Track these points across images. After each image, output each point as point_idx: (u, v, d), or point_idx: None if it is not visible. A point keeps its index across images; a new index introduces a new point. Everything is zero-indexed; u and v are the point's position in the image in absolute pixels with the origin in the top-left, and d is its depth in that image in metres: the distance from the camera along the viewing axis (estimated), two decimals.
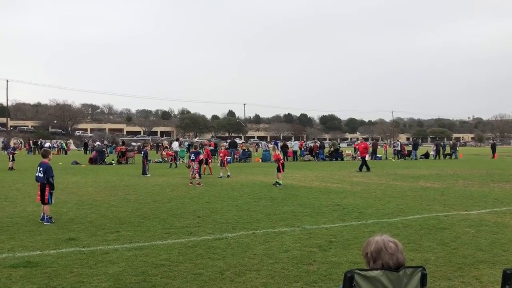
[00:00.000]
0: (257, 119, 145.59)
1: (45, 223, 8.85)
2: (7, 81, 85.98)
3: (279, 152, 17.41)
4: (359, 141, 37.27)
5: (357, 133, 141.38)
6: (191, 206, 11.33)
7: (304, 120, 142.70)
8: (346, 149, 48.66)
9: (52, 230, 8.26)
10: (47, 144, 55.58)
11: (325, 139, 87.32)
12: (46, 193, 9.07)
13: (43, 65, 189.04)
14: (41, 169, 9.26)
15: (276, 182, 15.90)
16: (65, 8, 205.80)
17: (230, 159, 33.08)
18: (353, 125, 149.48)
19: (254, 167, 27.50)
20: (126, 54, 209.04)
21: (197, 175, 16.52)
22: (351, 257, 6.46)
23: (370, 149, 34.30)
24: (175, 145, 32.75)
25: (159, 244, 7.25)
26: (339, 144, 46.46)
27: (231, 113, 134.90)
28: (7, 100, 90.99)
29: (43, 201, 9.09)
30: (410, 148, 41.98)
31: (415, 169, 25.02)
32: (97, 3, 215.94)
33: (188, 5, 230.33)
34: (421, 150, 43.18)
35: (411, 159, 37.92)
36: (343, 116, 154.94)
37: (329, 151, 37.64)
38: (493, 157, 39.15)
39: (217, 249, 6.89)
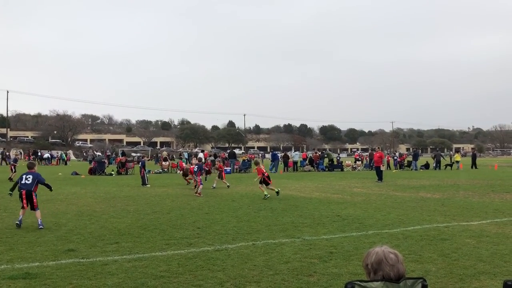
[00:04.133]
0: (257, 130, 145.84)
1: (40, 227, 9.27)
2: (7, 91, 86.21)
3: (262, 167, 16.44)
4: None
5: (357, 143, 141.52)
6: (191, 217, 11.30)
7: (304, 130, 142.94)
8: (346, 160, 48.63)
9: (51, 241, 8.23)
10: (47, 155, 55.60)
11: (325, 149, 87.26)
12: (34, 199, 9.54)
13: (44, 75, 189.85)
14: (28, 177, 9.68)
15: (265, 195, 15.30)
16: (66, 20, 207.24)
17: (230, 169, 33.12)
18: (353, 135, 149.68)
19: (254, 178, 27.47)
20: (126, 65, 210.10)
21: (200, 186, 16.58)
22: (351, 268, 6.42)
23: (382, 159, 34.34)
24: (201, 156, 33.15)
25: (159, 255, 7.21)
26: (338, 154, 46.45)
27: (231, 124, 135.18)
28: (7, 111, 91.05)
29: (32, 207, 9.51)
30: (410, 158, 41.95)
31: (415, 180, 24.98)
32: (95, 16, 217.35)
33: (187, 18, 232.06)
34: (421, 160, 43.17)
35: (411, 169, 37.88)
36: (343, 126, 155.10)
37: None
38: (473, 167, 38.82)
39: (217, 260, 6.86)
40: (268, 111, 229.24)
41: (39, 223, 9.46)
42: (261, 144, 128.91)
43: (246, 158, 38.23)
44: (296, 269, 6.36)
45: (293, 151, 49.77)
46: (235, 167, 34.42)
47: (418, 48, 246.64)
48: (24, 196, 9.57)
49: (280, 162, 36.57)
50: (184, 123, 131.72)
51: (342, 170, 36.79)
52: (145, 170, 21.45)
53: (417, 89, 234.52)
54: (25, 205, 9.59)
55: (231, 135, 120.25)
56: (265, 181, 15.64)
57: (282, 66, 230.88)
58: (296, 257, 7.02)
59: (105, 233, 9.05)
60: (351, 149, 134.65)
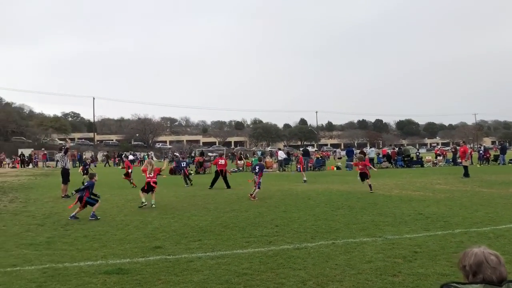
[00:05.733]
0: (329, 127, 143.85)
1: (90, 218, 10.93)
2: (94, 98, 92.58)
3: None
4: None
5: (437, 137, 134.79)
6: (268, 215, 11.41)
7: (379, 125, 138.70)
8: (426, 155, 46.51)
9: (139, 238, 8.70)
10: (131, 157, 58.85)
11: (402, 145, 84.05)
12: (84, 199, 11.40)
13: (125, 81, 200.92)
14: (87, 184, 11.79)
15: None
16: (144, 26, 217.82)
17: (304, 167, 33.00)
18: (432, 129, 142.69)
19: (329, 176, 27.16)
20: (201, 68, 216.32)
21: (256, 189, 15.08)
22: (438, 268, 6.15)
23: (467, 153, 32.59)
24: (281, 153, 33.93)
25: (240, 252, 7.37)
26: (418, 150, 44.51)
27: (303, 121, 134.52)
28: (93, 116, 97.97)
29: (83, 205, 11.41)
30: (497, 152, 39.24)
31: (504, 175, 23.33)
32: (169, 21, 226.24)
33: (257, 19, 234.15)
34: (510, 154, 40.20)
35: (498, 164, 35.44)
36: (421, 120, 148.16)
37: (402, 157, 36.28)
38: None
39: (297, 259, 6.87)
40: (341, 107, 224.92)
41: (92, 214, 11.17)
42: (334, 141, 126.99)
43: (320, 156, 37.87)
44: (380, 268, 6.21)
45: (368, 147, 48.41)
46: (309, 165, 34.21)
47: (501, 37, 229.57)
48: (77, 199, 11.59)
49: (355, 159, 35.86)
50: (256, 123, 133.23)
51: (422, 166, 35.25)
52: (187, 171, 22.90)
53: (502, 79, 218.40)
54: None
55: (303, 132, 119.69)
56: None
57: (355, 61, 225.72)
58: (378, 257, 6.84)
59: (188, 230, 9.41)
60: (430, 143, 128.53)
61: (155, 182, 13.88)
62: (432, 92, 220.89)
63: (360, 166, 17.14)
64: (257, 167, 15.68)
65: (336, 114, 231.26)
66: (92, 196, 11.62)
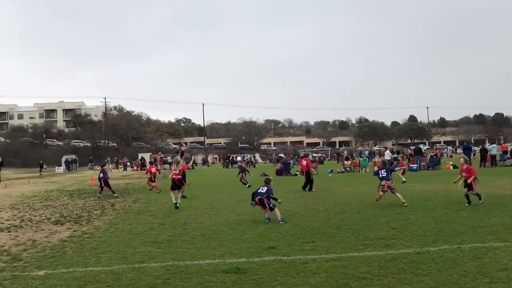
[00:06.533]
0: (442, 123, 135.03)
1: (280, 223, 10.33)
2: (203, 104, 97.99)
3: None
4: None
5: None
6: (382, 216, 10.92)
7: (499, 120, 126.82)
8: None
9: (253, 238, 8.82)
10: (239, 158, 60.86)
11: None
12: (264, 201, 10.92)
13: (231, 86, 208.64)
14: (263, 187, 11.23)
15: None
16: (246, 31, 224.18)
17: (416, 166, 31.28)
18: None
19: (445, 175, 25.36)
20: (303, 69, 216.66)
21: (398, 193, 13.18)
22: None
23: None
24: (388, 153, 32.82)
25: (356, 255, 7.10)
26: None
27: (412, 118, 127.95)
28: (203, 121, 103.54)
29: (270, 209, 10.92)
30: None
31: None
32: (271, 24, 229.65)
33: (359, 18, 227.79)
34: None
35: None
36: None
37: None
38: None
39: (420, 264, 6.42)
40: (454, 102, 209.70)
41: (279, 219, 10.52)
42: (448, 138, 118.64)
43: (433, 154, 35.62)
44: None
45: (487, 144, 44.46)
46: (422, 164, 32.32)
47: None
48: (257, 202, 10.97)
49: (473, 157, 33.27)
50: (362, 121, 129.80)
51: None
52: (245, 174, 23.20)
53: None
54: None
55: (413, 130, 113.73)
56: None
57: (470, 53, 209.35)
58: None
59: (300, 231, 9.33)
60: None
61: (179, 180, 14.26)
62: None
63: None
64: (383, 171, 13.34)
65: (449, 109, 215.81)
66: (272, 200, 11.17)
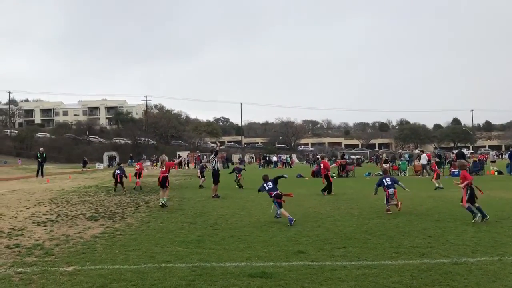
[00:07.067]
0: (487, 126, 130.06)
1: (290, 224, 10.36)
2: (241, 104, 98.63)
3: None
4: None
5: None
6: (419, 223, 10.49)
7: None
8: None
9: (283, 241, 8.64)
10: (274, 158, 60.67)
11: None
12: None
13: (269, 86, 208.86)
14: (269, 183, 11.48)
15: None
16: (284, 32, 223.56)
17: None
18: None
19: (488, 181, 24.29)
20: (341, 70, 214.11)
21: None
22: None
23: None
24: (424, 157, 31.95)
25: (389, 264, 6.79)
26: None
27: (455, 121, 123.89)
28: (241, 121, 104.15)
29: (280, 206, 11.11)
30: None
31: None
32: (309, 25, 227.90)
33: (403, 18, 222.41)
34: None
35: None
36: None
37: None
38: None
39: (456, 276, 6.06)
40: (500, 105, 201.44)
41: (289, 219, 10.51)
42: (494, 143, 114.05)
43: (477, 159, 34.25)
44: None
45: None
46: None
47: None
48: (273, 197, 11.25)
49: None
50: (403, 123, 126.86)
51: None
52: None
53: None
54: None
55: (456, 133, 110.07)
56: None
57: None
58: None
59: (331, 236, 9.08)
60: None
61: (163, 178, 14.44)
62: None
63: None
64: (387, 179, 12.87)
65: (495, 112, 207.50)
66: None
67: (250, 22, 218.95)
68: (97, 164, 60.15)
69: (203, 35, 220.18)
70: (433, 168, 23.50)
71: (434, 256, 7.26)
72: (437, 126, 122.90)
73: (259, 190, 11.88)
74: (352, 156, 61.37)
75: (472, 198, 10.67)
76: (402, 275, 6.13)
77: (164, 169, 14.97)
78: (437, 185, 19.81)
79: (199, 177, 24.40)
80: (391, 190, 12.49)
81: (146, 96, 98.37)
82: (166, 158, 15.52)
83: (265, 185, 11.51)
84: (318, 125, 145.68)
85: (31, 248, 8.24)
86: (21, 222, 11.33)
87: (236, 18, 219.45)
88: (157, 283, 5.92)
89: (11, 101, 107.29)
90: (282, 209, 10.99)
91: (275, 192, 11.18)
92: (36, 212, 13.28)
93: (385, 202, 12.59)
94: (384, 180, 12.91)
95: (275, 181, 11.55)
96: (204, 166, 25.84)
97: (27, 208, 14.15)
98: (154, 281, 6.03)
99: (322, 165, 19.95)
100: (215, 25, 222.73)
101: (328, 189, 18.19)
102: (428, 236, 8.92)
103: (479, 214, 10.47)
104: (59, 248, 8.24)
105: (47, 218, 12.00)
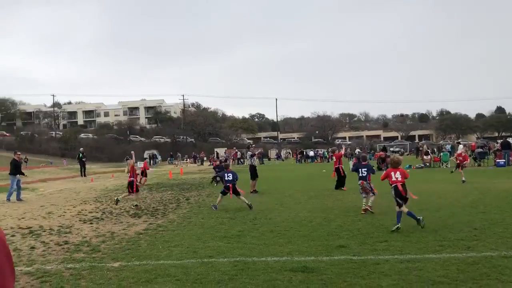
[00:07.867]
0: None
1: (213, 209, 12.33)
2: (276, 99, 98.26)
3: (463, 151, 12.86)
4: None
5: None
6: (463, 216, 10.19)
7: None
8: None
9: (323, 236, 8.60)
10: (311, 153, 60.32)
11: None
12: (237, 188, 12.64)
13: (304, 80, 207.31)
14: (229, 174, 12.83)
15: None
16: (318, 26, 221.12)
17: (504, 162, 29.06)
18: None
19: None
20: (379, 61, 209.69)
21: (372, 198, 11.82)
22: None
23: None
24: (460, 149, 31.01)
25: (433, 257, 6.65)
26: None
27: (499, 110, 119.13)
28: (276, 116, 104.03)
29: (237, 194, 12.71)
30: None
31: None
32: (346, 18, 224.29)
33: (438, 5, 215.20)
34: None
35: None
36: None
37: None
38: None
39: (505, 269, 5.87)
40: None
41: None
42: None
43: None
44: None
45: None
46: (511, 159, 29.92)
47: None
48: (231, 188, 12.67)
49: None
50: (443, 114, 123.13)
51: None
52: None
53: None
54: (231, 195, 12.72)
55: (500, 122, 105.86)
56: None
57: None
58: None
59: (373, 230, 8.96)
60: None
61: (130, 182, 14.19)
62: None
63: None
64: (364, 169, 12.00)
65: None
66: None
67: (284, 16, 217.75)
68: (138, 162, 61.51)
69: (237, 32, 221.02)
70: (464, 159, 20.12)
71: (481, 249, 7.05)
72: (479, 116, 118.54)
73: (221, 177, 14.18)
74: (391, 149, 60.22)
75: None
76: (448, 269, 5.99)
77: (129, 174, 14.34)
78: (463, 178, 18.36)
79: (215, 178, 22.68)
80: (366, 184, 11.37)
81: (183, 95, 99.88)
82: (132, 162, 14.70)
83: (225, 174, 12.85)
84: (356, 118, 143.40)
85: (79, 244, 8.56)
86: (69, 220, 11.79)
87: (268, 12, 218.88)
88: (201, 278, 6.04)
89: (55, 104, 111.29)
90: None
91: (233, 185, 12.64)
92: (82, 210, 13.78)
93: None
94: (360, 169, 11.83)
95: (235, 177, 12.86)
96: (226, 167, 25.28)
97: (73, 207, 14.70)
98: (197, 276, 6.14)
99: (334, 158, 19.61)
100: (248, 21, 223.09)
101: (339, 183, 17.78)
102: (473, 228, 8.66)
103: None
104: (105, 244, 8.52)
105: (92, 216, 12.42)
